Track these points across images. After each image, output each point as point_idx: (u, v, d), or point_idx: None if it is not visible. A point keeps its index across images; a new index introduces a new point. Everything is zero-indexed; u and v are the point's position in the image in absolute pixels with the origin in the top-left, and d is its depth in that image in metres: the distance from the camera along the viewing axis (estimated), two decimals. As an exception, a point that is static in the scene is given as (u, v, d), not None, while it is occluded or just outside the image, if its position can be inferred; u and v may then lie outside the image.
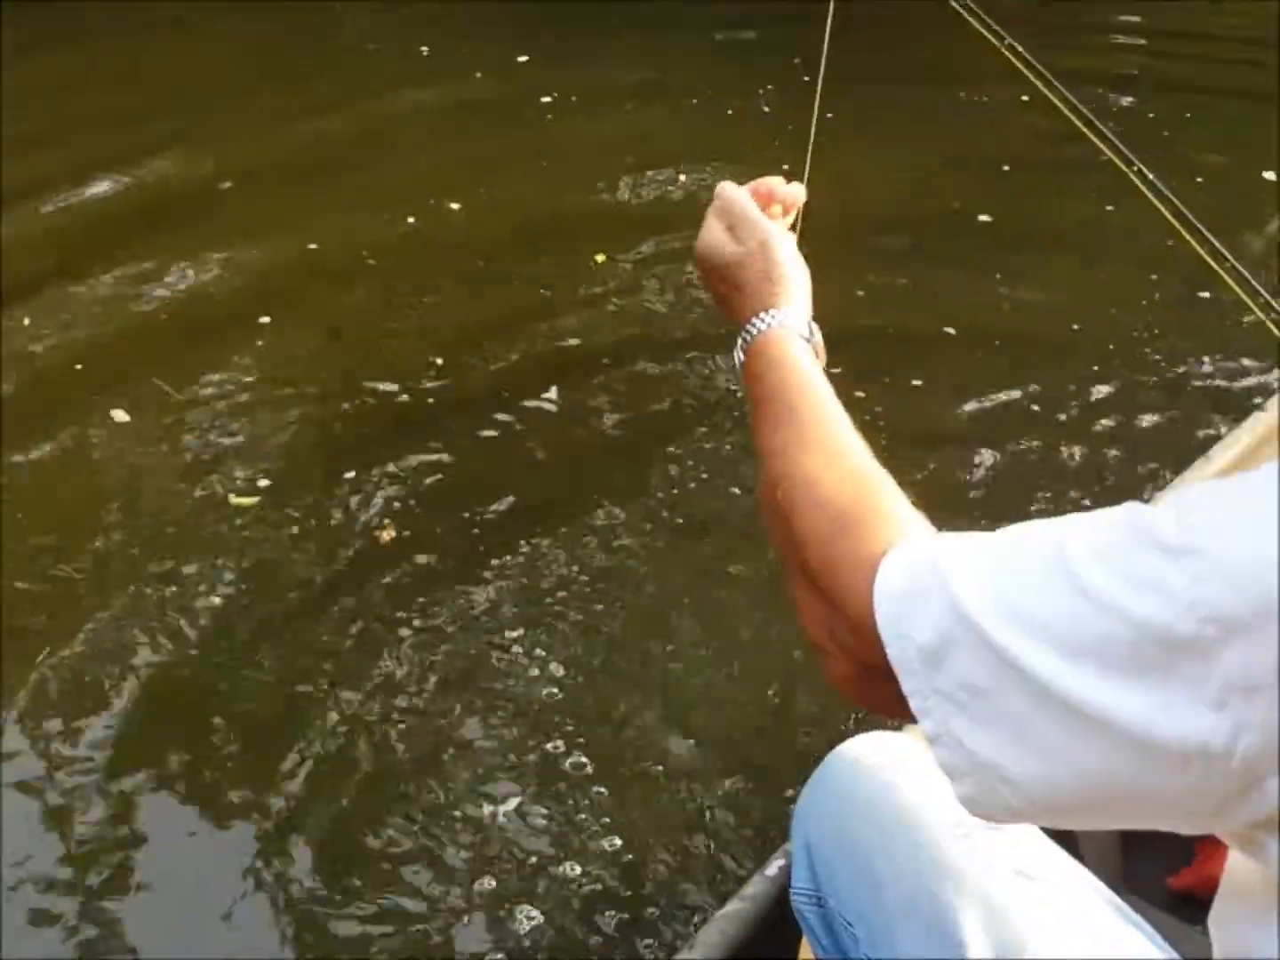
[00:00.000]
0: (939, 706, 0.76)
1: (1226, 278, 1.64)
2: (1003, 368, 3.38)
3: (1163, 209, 1.59)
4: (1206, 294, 3.59)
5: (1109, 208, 4.09)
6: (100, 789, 2.17)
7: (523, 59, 5.35)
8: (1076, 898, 1.12)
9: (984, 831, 0.84)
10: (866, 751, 1.23)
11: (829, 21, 1.28)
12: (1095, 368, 3.38)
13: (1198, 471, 2.08)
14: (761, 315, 1.07)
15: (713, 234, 1.14)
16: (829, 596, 0.86)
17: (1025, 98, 4.83)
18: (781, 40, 5.41)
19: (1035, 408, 3.22)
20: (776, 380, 1.03)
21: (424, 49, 5.42)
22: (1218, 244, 1.69)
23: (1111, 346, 3.49)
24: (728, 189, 1.16)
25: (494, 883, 2.02)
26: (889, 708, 0.81)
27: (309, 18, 5.92)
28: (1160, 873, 1.12)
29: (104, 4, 5.86)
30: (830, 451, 0.96)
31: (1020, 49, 1.53)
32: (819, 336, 1.08)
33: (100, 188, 4.25)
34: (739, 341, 1.08)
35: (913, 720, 0.79)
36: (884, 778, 1.19)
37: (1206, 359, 3.43)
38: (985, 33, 1.48)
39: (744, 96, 5.02)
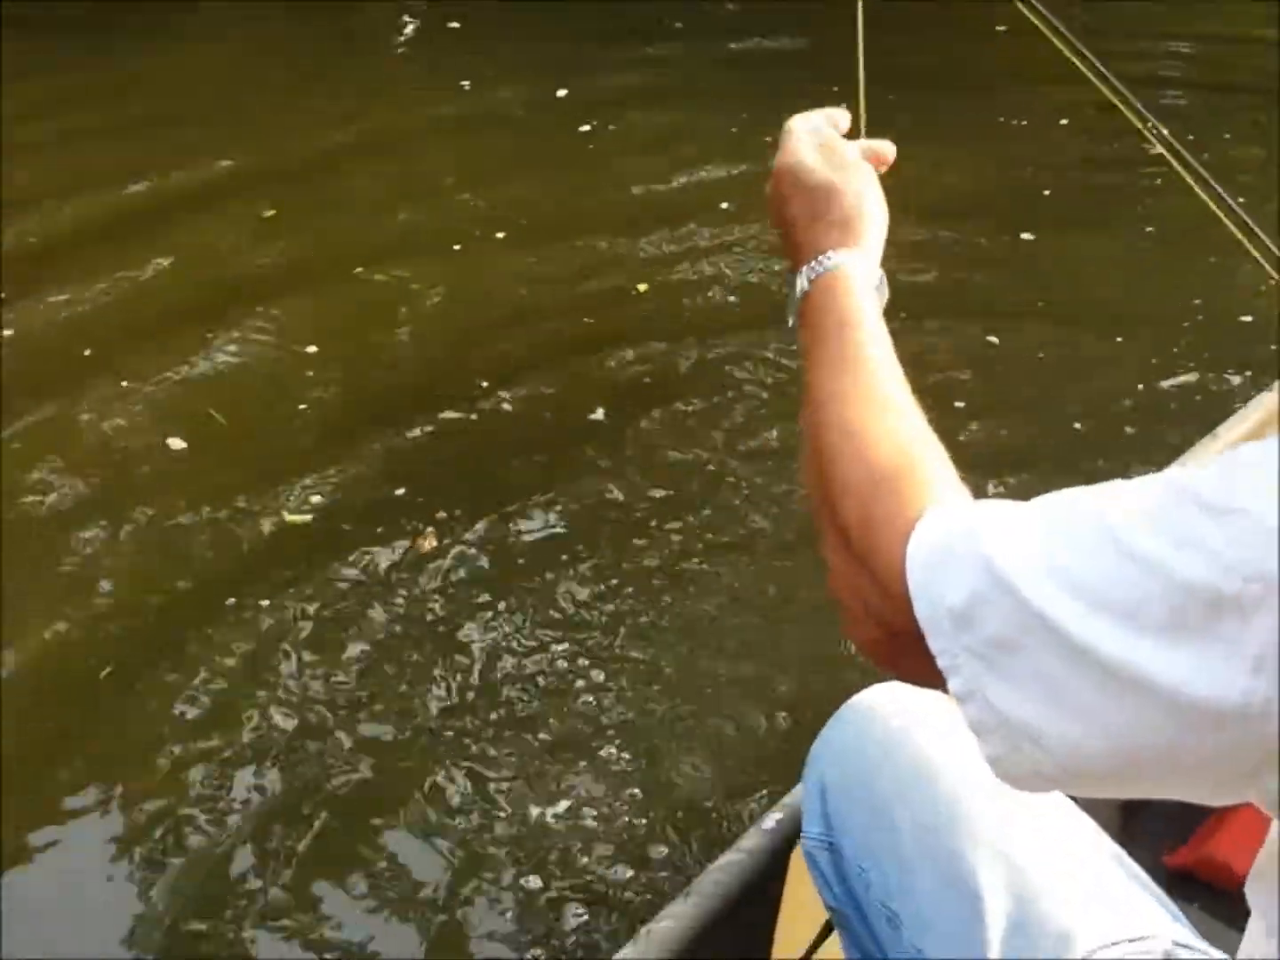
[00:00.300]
0: (968, 664, 0.74)
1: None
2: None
3: (1230, 225, 1.56)
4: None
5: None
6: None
7: (562, 92, 5.41)
8: (1096, 863, 1.11)
9: (1003, 789, 0.83)
10: (883, 700, 1.22)
11: (860, 22, 1.24)
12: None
13: (1204, 448, 2.10)
14: (839, 251, 1.01)
15: (805, 153, 1.07)
16: (861, 555, 0.84)
17: (1064, 121, 4.94)
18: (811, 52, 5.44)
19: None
20: (837, 323, 0.98)
21: (465, 83, 5.49)
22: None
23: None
24: (819, 114, 1.10)
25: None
26: (915, 672, 0.80)
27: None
28: (1156, 851, 1.12)
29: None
30: (881, 406, 0.92)
31: (1087, 53, 1.51)
32: (886, 290, 1.04)
33: (137, 187, 4.39)
34: (803, 271, 1.02)
35: (938, 685, 0.77)
36: (901, 726, 1.18)
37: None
38: (1048, 32, 1.47)
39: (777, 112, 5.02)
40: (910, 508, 0.82)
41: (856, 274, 1.01)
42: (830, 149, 1.07)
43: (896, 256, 1.06)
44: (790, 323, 1.03)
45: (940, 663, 0.76)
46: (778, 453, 3.07)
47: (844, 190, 1.05)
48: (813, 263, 1.02)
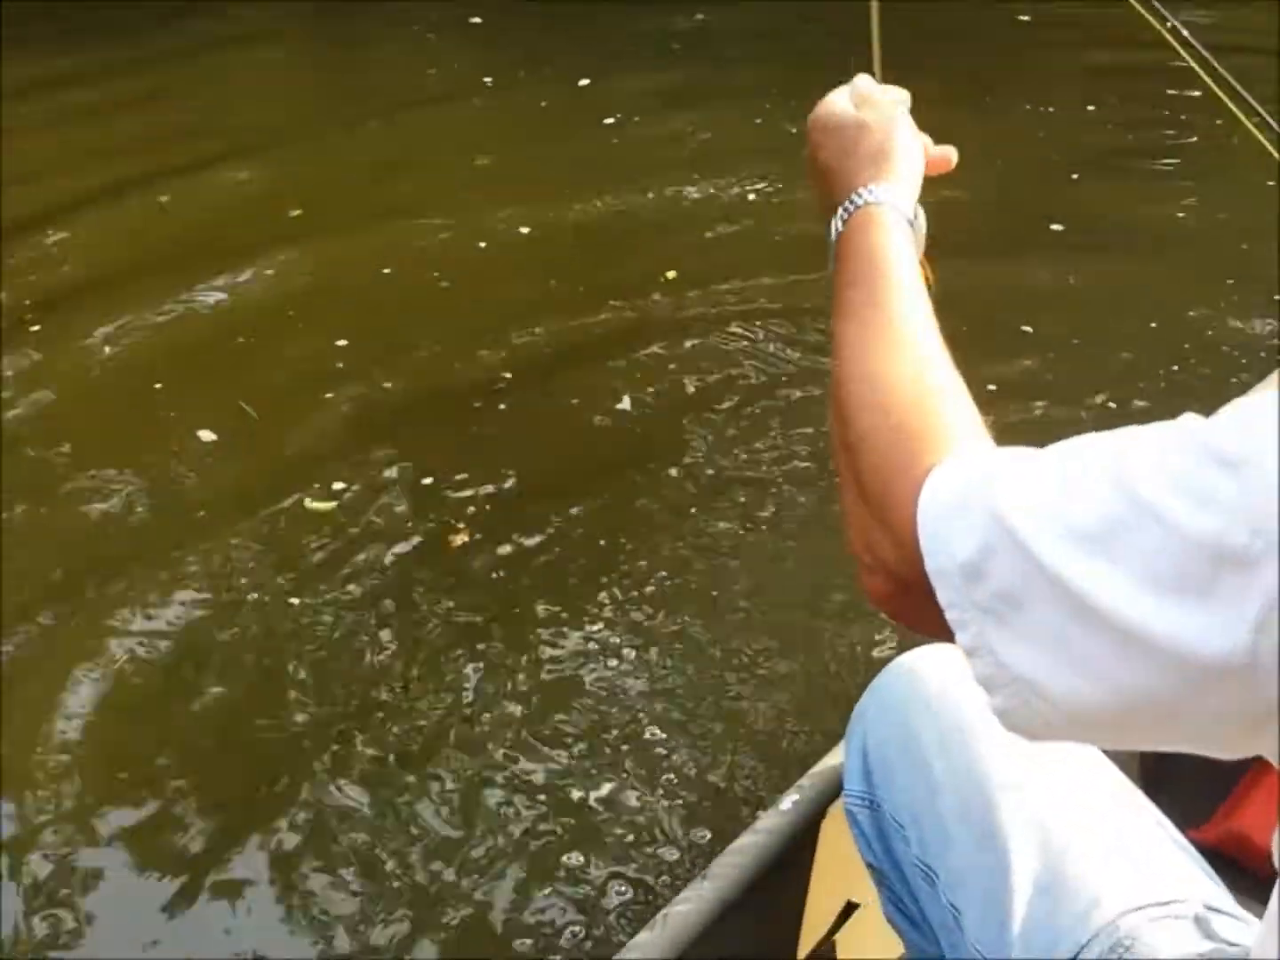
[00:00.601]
0: (976, 619, 0.74)
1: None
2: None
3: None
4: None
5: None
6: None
7: (584, 82, 5.41)
8: (1130, 826, 1.11)
9: (1042, 749, 0.82)
10: (925, 662, 1.23)
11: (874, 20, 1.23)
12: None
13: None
14: (870, 187, 1.01)
15: (837, 101, 1.10)
16: (876, 505, 0.83)
17: (1091, 107, 4.91)
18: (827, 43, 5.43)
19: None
20: (866, 264, 0.97)
21: (488, 79, 5.49)
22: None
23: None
24: (864, 80, 1.12)
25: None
26: (926, 624, 0.79)
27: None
28: (1180, 825, 1.12)
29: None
30: (903, 353, 0.91)
31: (1184, 32, 1.50)
32: (924, 221, 1.03)
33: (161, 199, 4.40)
34: (838, 213, 1.02)
35: (950, 639, 0.77)
36: (942, 686, 1.19)
37: None
38: (1145, 13, 1.45)
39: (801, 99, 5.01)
40: (926, 458, 0.81)
41: (889, 209, 1.00)
42: (860, 94, 1.09)
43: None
44: (830, 268, 1.02)
45: (948, 616, 0.76)
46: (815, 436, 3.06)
47: (872, 126, 1.06)
48: (846, 203, 1.01)
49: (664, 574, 2.70)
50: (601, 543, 2.81)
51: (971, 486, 0.76)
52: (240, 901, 2.07)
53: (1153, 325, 3.56)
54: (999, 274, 3.76)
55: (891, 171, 1.03)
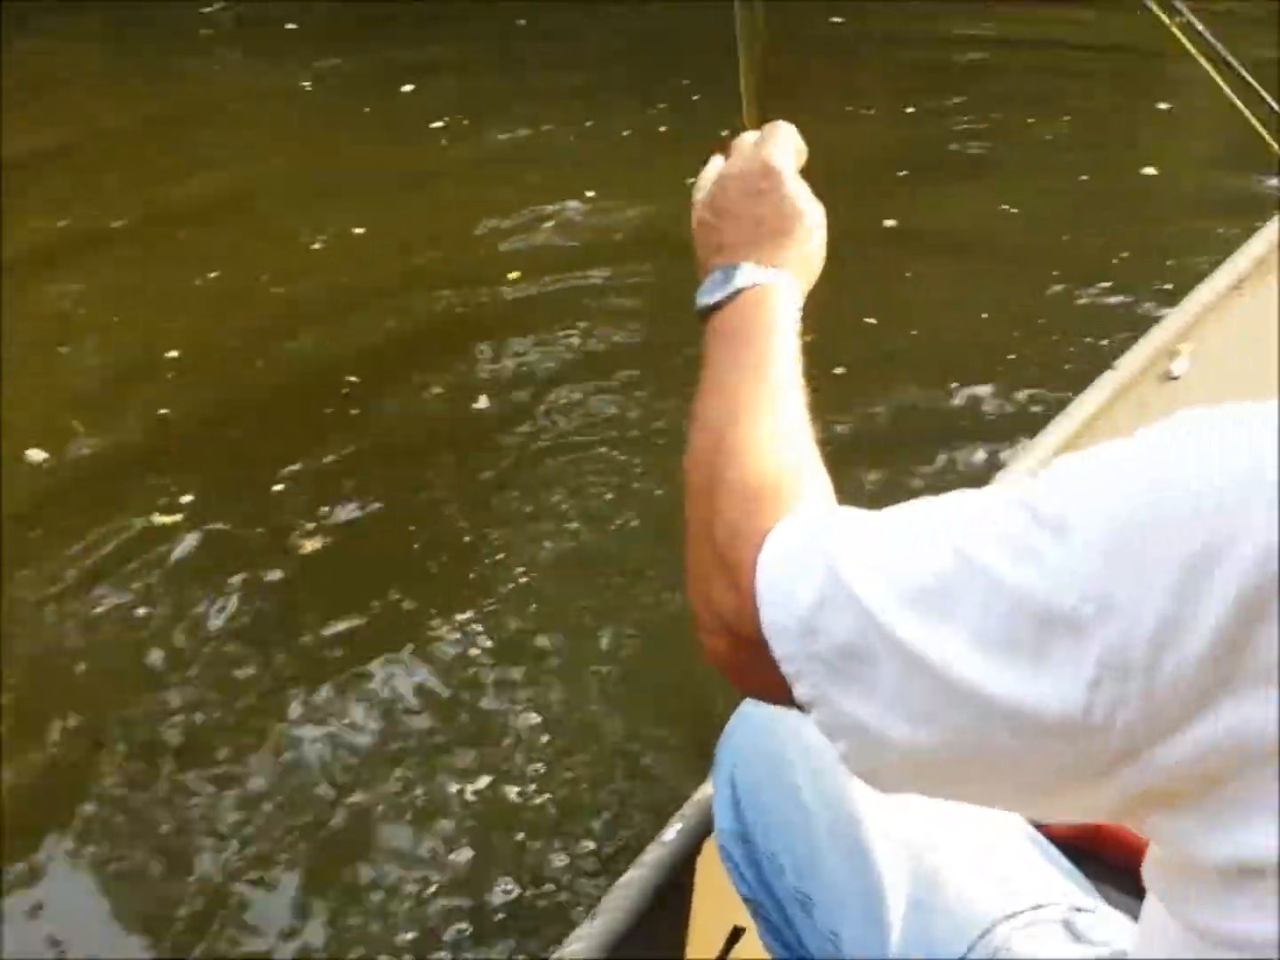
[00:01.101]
0: (813, 671, 0.74)
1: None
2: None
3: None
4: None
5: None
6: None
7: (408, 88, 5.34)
8: (998, 836, 1.12)
9: None
10: None
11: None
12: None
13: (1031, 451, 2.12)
14: (787, 272, 1.01)
15: (790, 168, 1.06)
16: (721, 555, 0.83)
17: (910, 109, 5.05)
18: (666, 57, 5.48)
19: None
20: (761, 329, 0.97)
21: (305, 83, 5.37)
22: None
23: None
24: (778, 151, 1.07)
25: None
26: (764, 684, 0.78)
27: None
28: (1038, 823, 1.14)
29: None
30: (771, 421, 0.91)
31: (1198, 25, 1.52)
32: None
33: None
34: (747, 269, 1.00)
35: (787, 701, 0.77)
36: None
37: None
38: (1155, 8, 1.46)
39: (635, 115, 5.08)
40: (773, 515, 0.81)
41: (792, 301, 1.00)
42: (767, 164, 1.06)
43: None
44: (699, 306, 1.01)
45: (785, 669, 0.75)
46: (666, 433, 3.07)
47: (813, 226, 1.05)
48: (762, 266, 1.01)
49: (524, 577, 2.66)
50: (465, 540, 2.78)
51: (811, 541, 0.77)
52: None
53: (984, 315, 3.68)
54: (839, 271, 3.81)
55: (808, 277, 1.04)
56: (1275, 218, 2.89)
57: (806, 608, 0.74)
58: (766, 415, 0.92)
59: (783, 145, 1.07)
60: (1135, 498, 0.63)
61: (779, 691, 0.76)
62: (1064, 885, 1.09)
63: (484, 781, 2.22)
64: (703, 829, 1.48)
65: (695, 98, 5.10)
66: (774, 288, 1.00)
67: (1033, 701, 0.64)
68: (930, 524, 0.72)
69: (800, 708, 0.76)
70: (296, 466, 2.99)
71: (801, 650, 0.74)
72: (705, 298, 1.01)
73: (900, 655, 0.69)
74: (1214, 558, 0.59)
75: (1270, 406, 0.62)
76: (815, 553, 0.75)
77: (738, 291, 0.99)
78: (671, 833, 1.51)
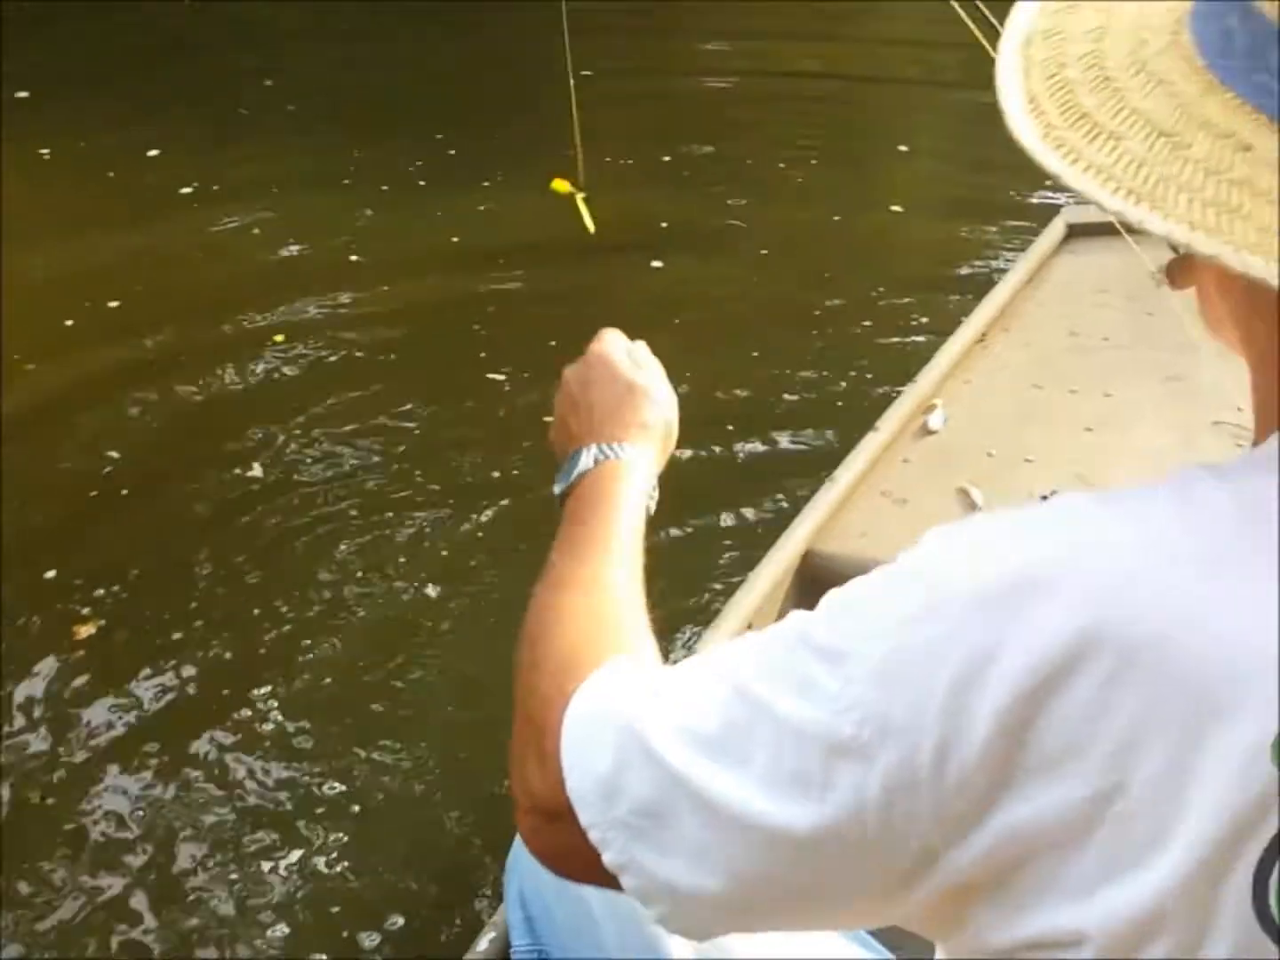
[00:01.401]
0: (619, 836, 0.74)
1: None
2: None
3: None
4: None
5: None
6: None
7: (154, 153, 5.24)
8: (795, 936, 1.12)
9: None
10: None
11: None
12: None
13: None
14: (633, 446, 1.08)
15: (618, 352, 1.15)
16: (533, 741, 0.83)
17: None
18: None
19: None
20: (607, 504, 1.03)
21: (44, 151, 5.20)
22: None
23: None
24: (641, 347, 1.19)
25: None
26: (585, 868, 0.78)
27: None
28: None
29: None
30: (604, 595, 0.94)
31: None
32: (654, 504, 1.08)
33: None
34: (593, 450, 1.07)
35: (604, 881, 0.77)
36: None
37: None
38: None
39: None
40: (577, 685, 0.82)
41: (639, 472, 1.07)
42: (635, 357, 1.16)
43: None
44: (557, 491, 1.07)
45: (591, 836, 0.76)
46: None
47: (653, 399, 1.12)
48: (607, 446, 1.08)
49: (310, 651, 2.62)
50: (256, 612, 2.72)
51: (606, 703, 0.79)
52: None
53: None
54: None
55: (654, 448, 1.10)
56: (1014, 267, 3.09)
57: (607, 770, 0.74)
58: (584, 592, 0.94)
59: (609, 337, 1.17)
60: (903, 622, 0.66)
61: (595, 869, 0.76)
62: (855, 949, 1.13)
63: (294, 856, 2.18)
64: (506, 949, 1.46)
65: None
66: (616, 464, 1.06)
67: (830, 829, 0.66)
68: (718, 671, 0.73)
69: (616, 884, 0.76)
70: (68, 552, 2.89)
71: (604, 816, 0.75)
72: (555, 488, 1.08)
73: (700, 806, 0.70)
74: (976, 676, 0.63)
75: (1015, 512, 0.67)
76: (612, 713, 0.77)
77: (581, 475, 1.06)
78: (484, 942, 1.51)
